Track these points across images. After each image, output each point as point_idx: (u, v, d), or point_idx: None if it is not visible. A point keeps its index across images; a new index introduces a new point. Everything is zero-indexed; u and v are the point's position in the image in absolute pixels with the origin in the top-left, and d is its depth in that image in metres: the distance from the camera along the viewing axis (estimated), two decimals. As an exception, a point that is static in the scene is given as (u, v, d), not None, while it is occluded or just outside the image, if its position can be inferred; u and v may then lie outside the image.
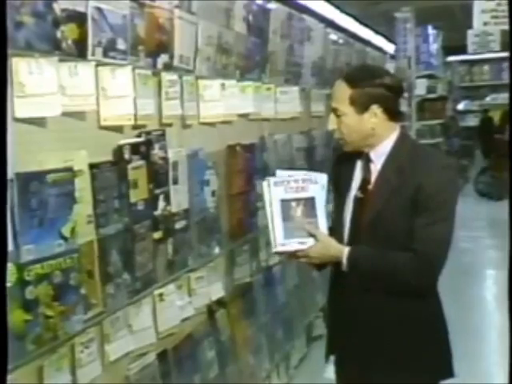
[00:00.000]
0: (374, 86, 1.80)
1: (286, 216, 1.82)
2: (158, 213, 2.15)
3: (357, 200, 1.86)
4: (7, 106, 1.22)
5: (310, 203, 1.84)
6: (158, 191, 2.15)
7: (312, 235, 1.82)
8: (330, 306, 2.00)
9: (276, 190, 1.83)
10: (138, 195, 2.01)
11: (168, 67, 2.21)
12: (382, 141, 1.85)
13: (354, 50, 5.04)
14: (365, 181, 1.87)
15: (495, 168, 9.98)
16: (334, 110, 1.83)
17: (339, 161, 2.02)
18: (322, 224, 1.84)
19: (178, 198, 2.29)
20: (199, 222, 2.46)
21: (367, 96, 1.80)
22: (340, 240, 1.85)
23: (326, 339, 2.00)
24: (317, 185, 1.85)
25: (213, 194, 2.57)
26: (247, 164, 2.94)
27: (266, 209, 1.84)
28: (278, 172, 1.89)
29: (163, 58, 2.17)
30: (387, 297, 1.80)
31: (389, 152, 1.85)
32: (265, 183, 1.85)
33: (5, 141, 1.13)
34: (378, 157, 1.85)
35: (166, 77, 2.19)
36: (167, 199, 2.21)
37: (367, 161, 1.88)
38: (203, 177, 2.50)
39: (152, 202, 2.11)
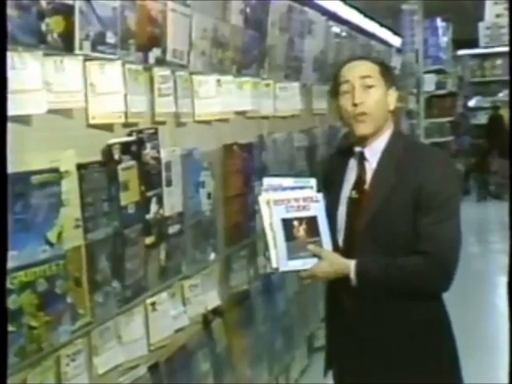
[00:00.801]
0: (390, 68, 1.91)
1: (289, 236, 1.84)
2: (150, 216, 2.15)
3: (351, 201, 1.87)
4: (7, 107, 1.24)
5: (312, 222, 1.87)
6: (150, 193, 2.15)
7: (316, 255, 1.83)
8: (328, 318, 2.00)
9: (277, 209, 1.85)
10: (128, 198, 2.01)
11: (160, 62, 2.21)
12: (379, 136, 1.86)
13: (358, 43, 5.04)
14: (360, 180, 1.87)
15: (478, 168, 10.07)
16: (364, 81, 1.83)
17: (329, 161, 2.04)
18: (327, 243, 1.87)
19: (172, 201, 2.29)
20: (194, 226, 2.46)
21: (390, 74, 1.89)
22: (334, 246, 1.86)
23: (325, 352, 2.01)
24: (318, 203, 1.88)
25: (208, 196, 2.57)
26: (245, 164, 2.95)
27: (265, 227, 1.86)
28: (266, 179, 1.91)
29: (155, 53, 2.17)
30: (390, 307, 1.80)
31: (384, 149, 1.86)
32: (262, 199, 1.87)
33: (5, 141, 1.17)
34: (373, 154, 1.87)
35: (159, 72, 2.19)
36: (160, 202, 2.21)
37: (361, 159, 1.88)
38: (198, 178, 2.50)
39: (144, 204, 2.11)
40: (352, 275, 1.80)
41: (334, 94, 1.91)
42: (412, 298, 1.80)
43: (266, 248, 1.87)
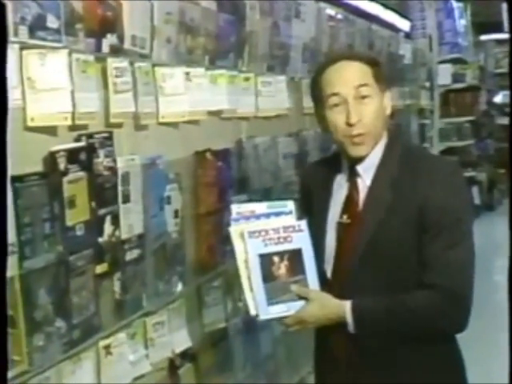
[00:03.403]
0: (380, 64, 1.91)
1: (268, 275, 1.85)
2: (102, 240, 2.14)
3: (342, 227, 1.88)
4: (7, 107, 1.30)
5: (295, 256, 1.88)
6: (102, 211, 2.15)
7: (302, 297, 1.84)
8: (318, 371, 2.02)
9: (252, 242, 1.86)
10: (76, 217, 2.00)
11: (116, 51, 2.22)
12: (373, 147, 1.87)
13: (357, 28, 5.08)
14: (351, 201, 1.88)
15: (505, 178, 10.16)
16: (358, 91, 1.83)
17: (309, 175, 2.04)
18: (313, 281, 1.87)
19: (130, 221, 2.29)
20: (157, 251, 2.45)
21: (383, 75, 1.90)
22: (322, 280, 1.86)
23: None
24: (302, 233, 1.89)
25: (175, 214, 2.57)
26: (220, 175, 2.95)
27: (239, 265, 1.87)
28: (234, 207, 1.93)
29: (110, 40, 2.18)
30: (396, 355, 1.82)
31: (379, 162, 1.87)
32: (234, 231, 1.89)
33: (5, 141, 1.27)
34: (367, 169, 1.88)
35: (114, 63, 2.20)
36: (115, 222, 2.21)
37: (352, 175, 1.88)
38: (163, 192, 2.50)
39: (95, 225, 2.10)
40: (349, 319, 1.81)
41: (317, 101, 1.91)
42: (422, 343, 1.81)
43: (242, 291, 1.87)
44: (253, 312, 1.86)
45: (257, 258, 1.85)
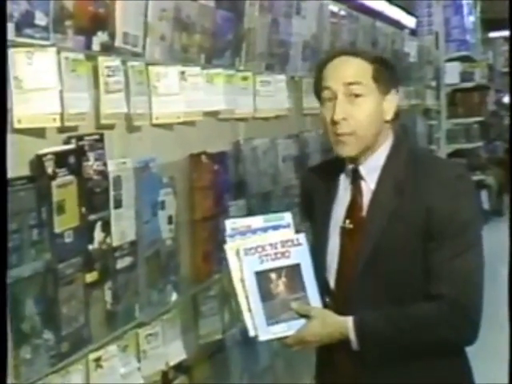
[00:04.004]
0: (388, 66, 1.89)
1: (266, 294, 1.86)
2: (92, 247, 2.14)
3: (345, 232, 1.88)
4: (7, 106, 1.35)
5: (294, 272, 1.88)
6: (93, 217, 2.15)
7: (303, 315, 1.84)
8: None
9: (248, 260, 1.87)
10: (65, 223, 2.00)
11: (107, 49, 2.21)
12: (376, 149, 1.87)
13: (360, 25, 5.08)
14: (355, 206, 1.88)
15: None
16: (349, 89, 1.83)
17: (310, 179, 2.03)
18: (314, 297, 1.88)
19: (122, 227, 2.29)
20: (150, 259, 2.45)
21: (389, 73, 1.88)
22: (325, 289, 1.86)
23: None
24: (300, 247, 1.90)
25: (169, 220, 2.57)
26: (216, 179, 2.95)
27: (235, 285, 1.87)
28: (229, 222, 1.94)
29: (100, 37, 2.18)
30: (402, 371, 1.82)
31: (383, 165, 1.87)
32: (230, 249, 1.89)
33: (5, 141, 1.32)
34: (371, 172, 1.88)
35: (105, 62, 2.20)
36: (106, 228, 2.21)
37: (356, 178, 1.89)
38: (156, 197, 2.50)
39: (85, 231, 2.10)
40: (352, 336, 1.81)
41: (318, 96, 1.92)
42: (429, 357, 1.81)
43: (239, 310, 1.88)
44: (252, 333, 1.86)
45: (253, 276, 1.86)
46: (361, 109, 1.83)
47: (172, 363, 2.58)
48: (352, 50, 1.97)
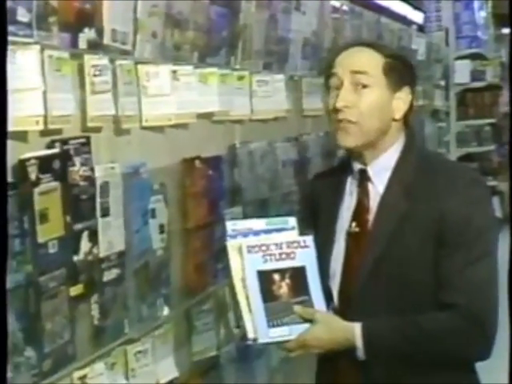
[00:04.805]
0: (406, 62, 1.91)
1: (268, 295, 1.86)
2: (78, 258, 2.14)
3: (351, 236, 1.90)
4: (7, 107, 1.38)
5: (298, 275, 1.88)
6: (78, 226, 2.14)
7: (307, 319, 1.84)
8: None
9: (251, 258, 1.87)
10: (48, 232, 2.00)
11: (94, 47, 2.21)
12: (386, 150, 1.88)
13: (364, 21, 5.10)
14: (361, 208, 1.88)
15: None
16: (356, 78, 1.85)
17: (317, 183, 2.05)
18: (319, 301, 1.88)
19: (109, 237, 2.28)
20: (140, 271, 2.45)
21: (403, 70, 1.90)
22: (328, 295, 1.87)
23: None
24: (307, 249, 1.90)
25: (160, 229, 2.57)
26: (211, 185, 2.95)
27: (235, 283, 1.87)
28: (229, 224, 1.94)
29: (87, 34, 2.18)
30: (410, 381, 1.81)
31: (394, 167, 1.88)
32: (232, 246, 1.88)
33: (5, 142, 1.39)
34: (379, 174, 1.89)
35: (92, 60, 2.20)
36: (93, 238, 2.20)
37: (363, 180, 1.89)
38: (147, 205, 2.50)
39: (70, 241, 2.10)
40: (358, 344, 1.81)
41: (327, 85, 1.94)
42: (438, 371, 1.82)
43: (238, 312, 1.87)
44: (251, 335, 1.85)
45: (255, 276, 1.86)
46: (366, 99, 1.85)
47: (163, 382, 2.56)
48: (370, 41, 2.00)
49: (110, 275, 2.28)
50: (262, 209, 3.39)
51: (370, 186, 1.90)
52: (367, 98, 1.85)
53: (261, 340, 1.85)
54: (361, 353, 1.81)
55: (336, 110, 1.86)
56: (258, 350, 3.35)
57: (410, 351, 1.81)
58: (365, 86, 1.85)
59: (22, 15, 1.88)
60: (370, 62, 1.87)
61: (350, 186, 1.95)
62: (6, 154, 1.41)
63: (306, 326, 1.85)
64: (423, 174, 1.86)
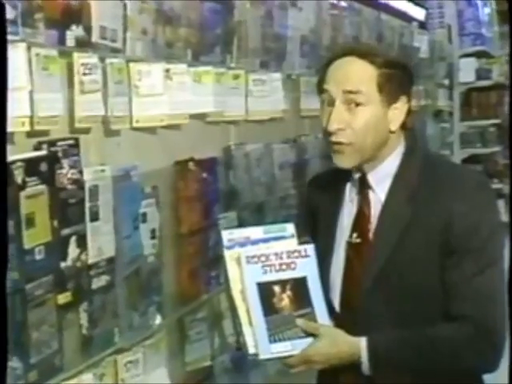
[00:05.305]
0: (402, 68, 1.88)
1: (269, 308, 1.85)
2: (66, 264, 2.14)
3: (351, 247, 1.89)
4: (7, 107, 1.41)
5: (299, 286, 1.88)
6: (66, 231, 2.15)
7: (309, 333, 1.84)
8: None
9: (250, 268, 1.87)
10: (35, 238, 2.00)
11: (83, 44, 2.21)
12: (386, 157, 1.87)
13: (364, 17, 5.10)
14: (362, 218, 1.88)
15: None
16: (349, 97, 1.83)
17: (313, 189, 2.04)
18: (322, 313, 1.88)
19: (99, 242, 2.28)
20: (130, 278, 2.45)
21: (400, 79, 1.87)
22: (328, 307, 1.87)
23: None
24: (308, 259, 1.90)
25: (152, 234, 2.58)
26: (205, 189, 2.96)
27: (234, 296, 1.87)
28: (225, 233, 1.93)
29: (75, 32, 2.18)
30: None
31: (395, 173, 1.88)
32: (230, 256, 1.89)
33: (4, 142, 1.41)
34: (380, 181, 1.89)
35: (81, 59, 2.20)
36: (81, 243, 2.20)
37: (363, 187, 1.89)
38: (138, 209, 2.51)
39: (57, 247, 2.10)
40: (364, 358, 1.81)
41: (320, 94, 1.93)
42: (445, 382, 1.81)
43: (237, 325, 1.87)
44: (251, 350, 1.85)
45: (255, 287, 1.86)
46: (360, 118, 1.83)
47: (154, 393, 2.57)
48: (361, 49, 1.93)
49: (99, 282, 2.28)
50: (258, 213, 3.39)
51: (370, 193, 1.90)
52: (361, 117, 1.83)
53: (262, 356, 1.84)
54: (366, 368, 1.81)
55: (329, 132, 1.85)
56: (253, 361, 3.35)
57: (417, 365, 1.81)
58: (358, 104, 1.83)
59: (7, 12, 1.87)
60: (362, 78, 1.83)
61: (350, 193, 1.94)
62: (5, 155, 1.43)
63: (309, 340, 1.85)
64: (426, 178, 1.86)
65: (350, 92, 1.83)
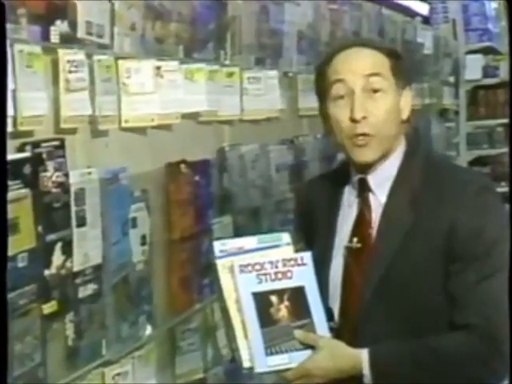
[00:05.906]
0: (404, 59, 1.95)
1: (265, 319, 1.84)
2: (50, 272, 2.13)
3: (351, 253, 1.89)
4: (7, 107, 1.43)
5: (297, 296, 1.87)
6: (51, 237, 2.14)
7: (308, 345, 1.83)
8: None
9: (244, 278, 1.86)
10: (18, 244, 1.99)
11: (69, 40, 2.21)
12: (387, 157, 1.88)
13: (364, 12, 5.11)
14: (362, 222, 1.89)
15: None
16: (369, 82, 1.85)
17: (310, 192, 2.04)
18: (321, 324, 1.87)
19: (85, 248, 2.28)
20: (119, 286, 2.45)
21: (406, 69, 1.93)
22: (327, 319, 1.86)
23: None
24: (305, 267, 1.89)
25: (142, 240, 2.58)
26: (197, 192, 2.96)
27: (229, 307, 1.86)
28: (217, 244, 1.92)
29: (60, 27, 2.17)
30: None
31: (397, 175, 1.88)
32: (221, 264, 1.88)
33: (4, 142, 1.43)
34: (381, 183, 1.89)
35: (67, 55, 2.19)
36: (67, 250, 2.20)
37: (363, 190, 1.89)
38: (127, 214, 2.50)
39: (42, 254, 2.09)
40: (366, 371, 1.81)
41: (321, 95, 1.92)
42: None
43: (231, 337, 1.87)
44: (247, 364, 1.85)
45: (250, 298, 1.85)
46: (381, 106, 1.85)
47: (145, 407, 2.57)
48: (364, 40, 2.00)
49: (85, 291, 2.28)
50: (253, 218, 3.39)
51: (371, 196, 1.90)
52: (383, 104, 1.85)
53: (258, 369, 1.84)
54: (368, 380, 1.81)
55: (353, 122, 1.84)
56: (248, 373, 3.34)
57: (422, 377, 1.81)
58: (376, 91, 1.85)
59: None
60: (378, 62, 1.88)
61: (349, 197, 1.94)
62: (5, 155, 1.45)
63: (308, 352, 1.84)
64: (430, 181, 1.86)
65: (371, 75, 1.85)
